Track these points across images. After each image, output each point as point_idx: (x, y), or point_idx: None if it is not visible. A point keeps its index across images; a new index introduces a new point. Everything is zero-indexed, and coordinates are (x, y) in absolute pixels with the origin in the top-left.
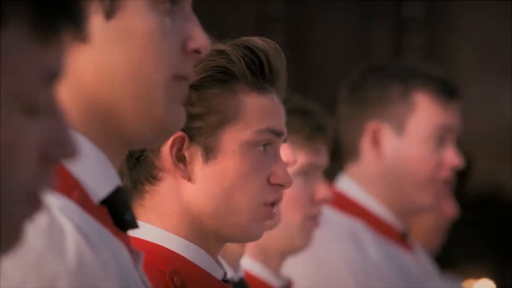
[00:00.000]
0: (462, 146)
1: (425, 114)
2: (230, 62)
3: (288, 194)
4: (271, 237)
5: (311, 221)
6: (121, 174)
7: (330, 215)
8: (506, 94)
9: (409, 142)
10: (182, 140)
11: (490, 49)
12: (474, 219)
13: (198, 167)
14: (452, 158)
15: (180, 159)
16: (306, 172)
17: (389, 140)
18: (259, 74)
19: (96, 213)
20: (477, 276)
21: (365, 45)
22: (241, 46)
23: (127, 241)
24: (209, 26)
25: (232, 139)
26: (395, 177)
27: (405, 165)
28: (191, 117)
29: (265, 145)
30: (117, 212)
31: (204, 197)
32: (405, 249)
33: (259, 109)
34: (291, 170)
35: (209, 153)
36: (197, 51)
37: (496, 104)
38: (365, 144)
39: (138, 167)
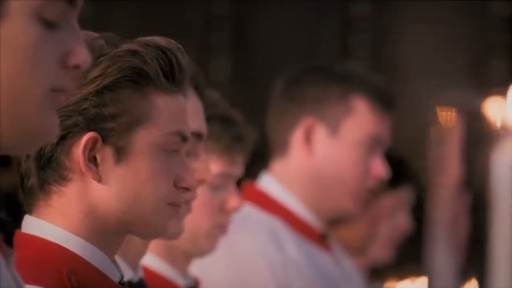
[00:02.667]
0: (404, 147)
1: (361, 119)
2: (145, 63)
3: (198, 200)
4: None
5: (219, 229)
6: (27, 173)
7: (250, 213)
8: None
9: (341, 145)
10: (95, 141)
11: (436, 49)
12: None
13: (109, 168)
14: (379, 169)
15: (91, 159)
16: (218, 181)
17: (322, 139)
18: (169, 76)
19: None
20: (417, 275)
21: (312, 43)
22: (152, 47)
23: None
24: (155, 26)
25: (143, 141)
26: (321, 178)
27: (333, 167)
28: (104, 117)
29: (172, 150)
30: None
31: (113, 198)
32: (325, 250)
33: (169, 111)
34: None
35: (121, 154)
36: (77, 66)
37: (440, 104)
38: (297, 140)
39: (47, 167)
